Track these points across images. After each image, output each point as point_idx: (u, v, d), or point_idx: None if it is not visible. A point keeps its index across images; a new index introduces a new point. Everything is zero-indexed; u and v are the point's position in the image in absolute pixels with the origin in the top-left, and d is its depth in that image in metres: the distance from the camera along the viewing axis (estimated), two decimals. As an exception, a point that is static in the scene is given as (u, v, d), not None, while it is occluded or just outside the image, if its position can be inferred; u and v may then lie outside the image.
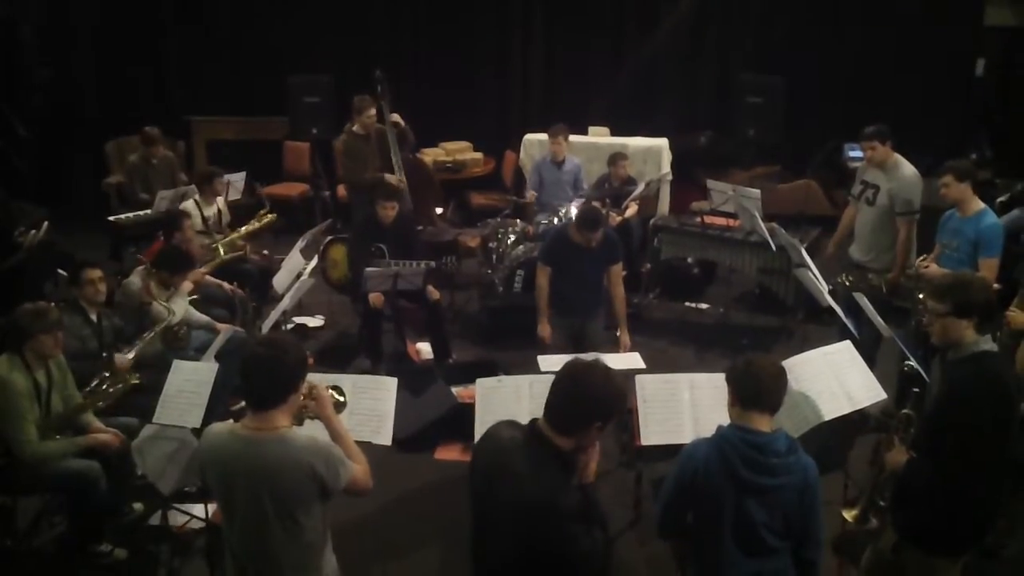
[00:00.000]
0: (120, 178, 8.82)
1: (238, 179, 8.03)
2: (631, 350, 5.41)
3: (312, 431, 3.02)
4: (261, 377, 2.82)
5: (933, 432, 3.29)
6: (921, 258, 5.50)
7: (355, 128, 7.46)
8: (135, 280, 5.57)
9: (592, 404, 2.65)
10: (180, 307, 5.64)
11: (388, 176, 7.39)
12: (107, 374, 4.85)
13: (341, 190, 8.98)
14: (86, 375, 4.80)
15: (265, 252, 6.83)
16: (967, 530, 3.34)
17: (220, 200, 7.32)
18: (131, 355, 5.02)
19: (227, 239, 7.09)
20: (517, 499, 2.64)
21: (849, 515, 3.83)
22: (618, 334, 5.68)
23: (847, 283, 5.76)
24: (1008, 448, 3.24)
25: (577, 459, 2.69)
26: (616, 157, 7.98)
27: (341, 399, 3.45)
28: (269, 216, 7.57)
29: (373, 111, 7.43)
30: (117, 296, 5.60)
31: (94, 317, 5.05)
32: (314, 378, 3.19)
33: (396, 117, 7.58)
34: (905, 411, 3.63)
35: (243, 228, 7.33)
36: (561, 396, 2.67)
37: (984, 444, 3.15)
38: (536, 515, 2.61)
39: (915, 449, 3.40)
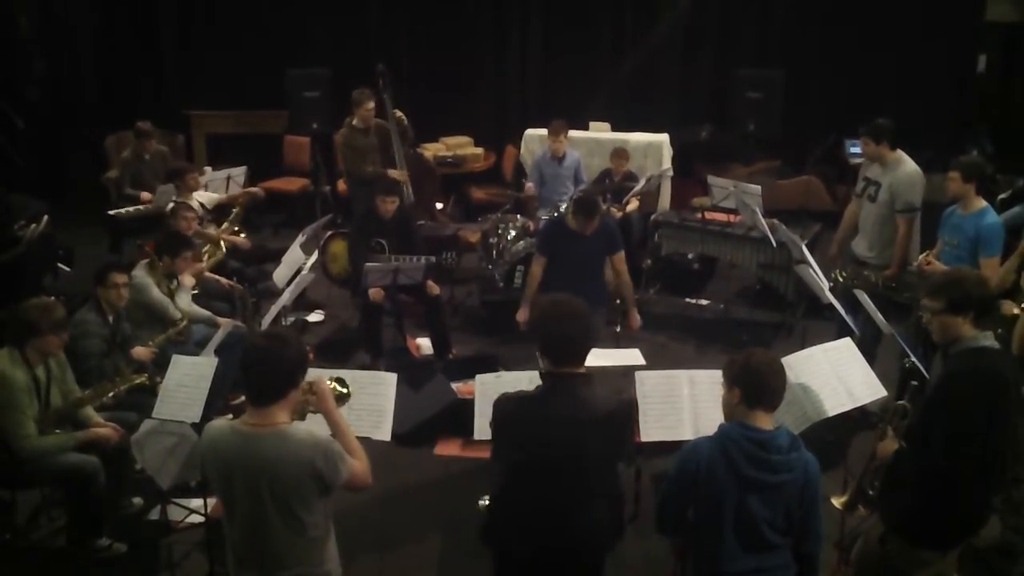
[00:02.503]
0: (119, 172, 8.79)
1: (239, 173, 8.01)
2: (631, 346, 5.41)
3: (312, 426, 3.02)
4: (261, 371, 2.81)
5: (924, 422, 3.28)
6: (924, 254, 5.49)
7: (354, 122, 7.45)
8: (139, 273, 5.57)
9: (591, 328, 3.10)
10: (184, 302, 5.65)
11: (392, 171, 7.37)
12: (119, 371, 4.86)
13: (341, 184, 8.96)
14: (108, 372, 4.83)
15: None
16: (952, 523, 3.31)
17: (198, 195, 7.27)
18: (152, 346, 5.15)
19: (223, 229, 7.08)
20: (586, 437, 3.00)
21: (838, 502, 3.83)
22: (627, 314, 5.75)
23: (842, 279, 5.75)
24: (1007, 445, 3.23)
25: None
26: (613, 153, 7.98)
27: (344, 391, 3.44)
28: (242, 195, 7.56)
29: (371, 104, 7.40)
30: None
31: (110, 318, 5.06)
32: (315, 373, 3.18)
33: (399, 114, 7.57)
34: (901, 402, 3.63)
35: (227, 221, 7.27)
36: (573, 334, 3.04)
37: (973, 437, 3.13)
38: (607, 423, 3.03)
39: (907, 440, 3.39)
